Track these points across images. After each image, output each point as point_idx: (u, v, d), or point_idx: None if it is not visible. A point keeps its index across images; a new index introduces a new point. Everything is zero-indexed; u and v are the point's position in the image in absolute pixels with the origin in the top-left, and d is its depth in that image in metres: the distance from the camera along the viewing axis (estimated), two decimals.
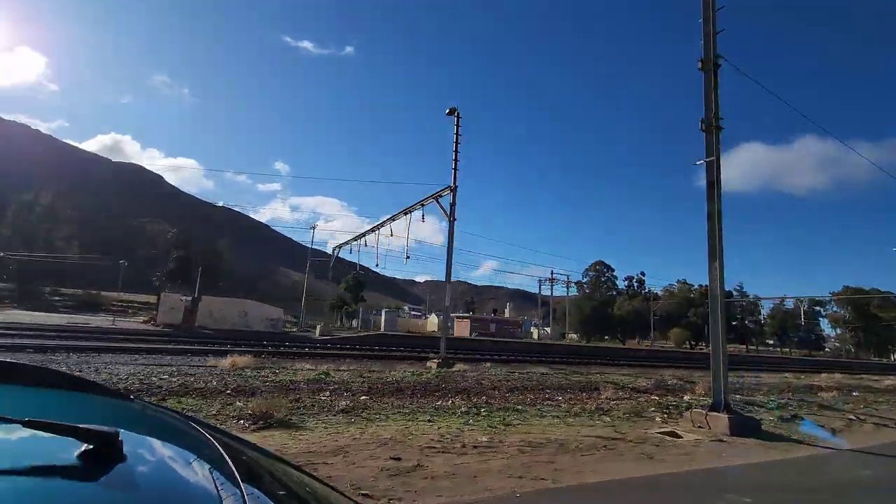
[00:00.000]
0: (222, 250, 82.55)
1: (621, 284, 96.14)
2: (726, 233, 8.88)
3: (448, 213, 19.48)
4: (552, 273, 58.37)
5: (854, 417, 10.46)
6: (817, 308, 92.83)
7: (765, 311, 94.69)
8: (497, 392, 11.16)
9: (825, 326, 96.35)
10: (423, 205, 21.84)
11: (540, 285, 60.74)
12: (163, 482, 0.74)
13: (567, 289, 61.75)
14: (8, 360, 1.05)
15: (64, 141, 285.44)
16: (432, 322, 77.53)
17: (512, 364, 20.69)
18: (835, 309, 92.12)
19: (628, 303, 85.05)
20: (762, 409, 11.01)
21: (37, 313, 42.38)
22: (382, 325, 45.71)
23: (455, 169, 19.43)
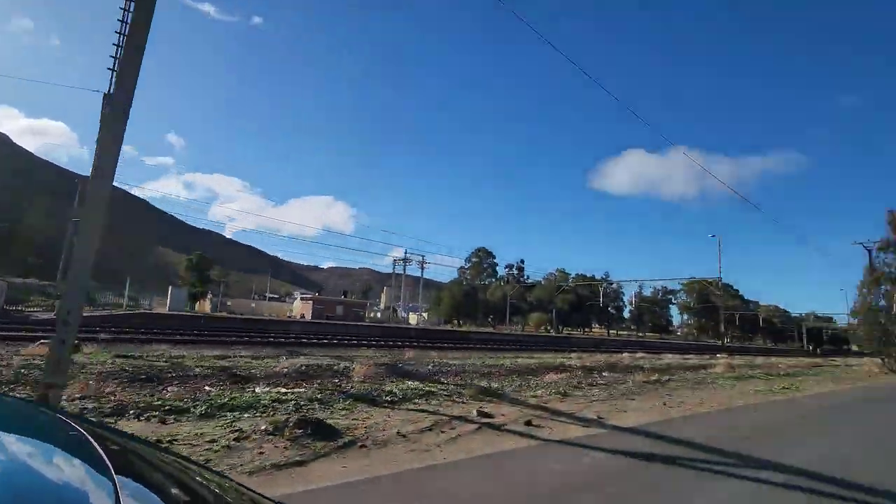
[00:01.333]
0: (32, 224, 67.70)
1: (502, 271, 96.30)
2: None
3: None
4: (406, 253, 54.48)
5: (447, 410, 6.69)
6: (669, 297, 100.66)
7: (627, 298, 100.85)
8: None
9: (675, 313, 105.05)
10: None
11: (395, 265, 56.57)
12: (29, 477, 0.69)
13: (422, 270, 58.37)
14: None
15: None
16: (297, 307, 70.89)
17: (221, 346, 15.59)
18: (684, 297, 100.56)
19: (500, 289, 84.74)
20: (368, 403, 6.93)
21: None
22: (168, 304, 38.31)
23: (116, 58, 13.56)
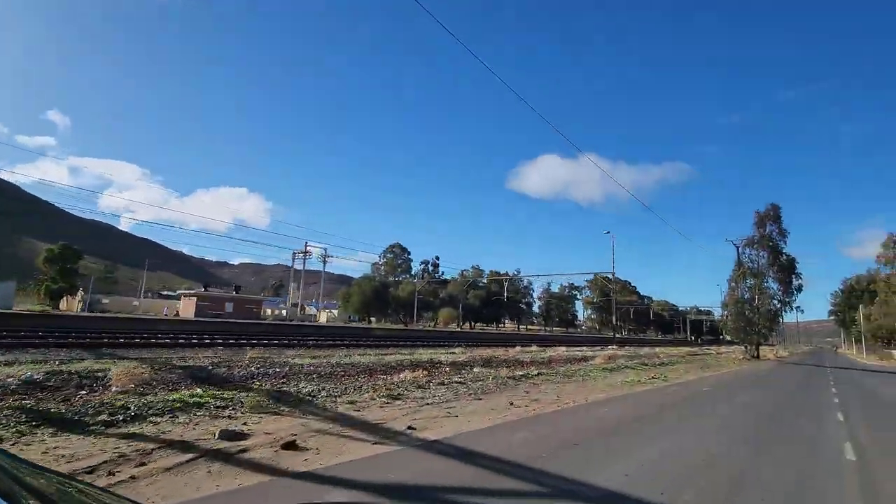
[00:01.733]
0: None
1: (417, 268, 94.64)
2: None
3: None
4: (306, 245, 50.89)
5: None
6: (575, 292, 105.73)
7: (537, 294, 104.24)
8: None
9: (580, 308, 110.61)
10: None
11: (294, 259, 52.65)
12: None
13: (324, 263, 55.08)
14: None
15: None
16: (182, 304, 63.65)
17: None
18: (588, 293, 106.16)
19: (411, 285, 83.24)
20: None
21: None
22: None
23: None
